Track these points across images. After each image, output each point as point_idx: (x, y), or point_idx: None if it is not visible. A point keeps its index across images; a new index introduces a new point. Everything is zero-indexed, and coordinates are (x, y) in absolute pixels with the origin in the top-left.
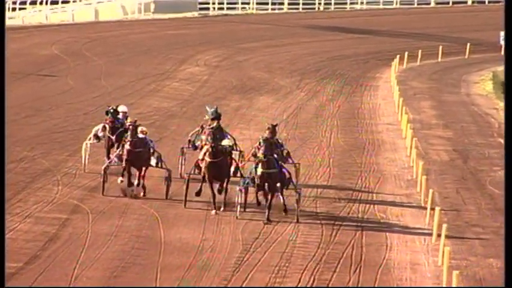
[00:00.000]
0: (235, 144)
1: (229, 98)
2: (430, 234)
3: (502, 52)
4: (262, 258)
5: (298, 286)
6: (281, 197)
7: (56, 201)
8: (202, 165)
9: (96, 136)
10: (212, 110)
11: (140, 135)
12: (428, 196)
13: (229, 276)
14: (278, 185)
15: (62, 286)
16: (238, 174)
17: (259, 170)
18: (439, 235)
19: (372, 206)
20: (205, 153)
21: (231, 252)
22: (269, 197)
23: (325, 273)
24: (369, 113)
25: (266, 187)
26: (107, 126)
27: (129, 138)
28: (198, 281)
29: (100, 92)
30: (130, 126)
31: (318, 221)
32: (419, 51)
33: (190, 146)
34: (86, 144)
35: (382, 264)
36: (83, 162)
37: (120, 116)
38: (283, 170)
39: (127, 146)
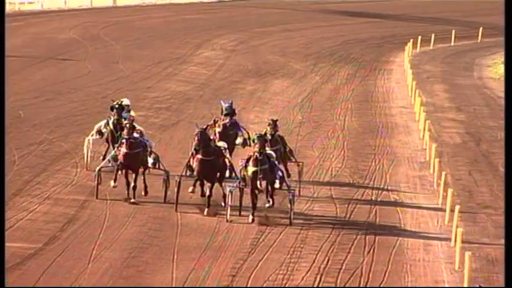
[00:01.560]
0: (249, 138)
1: (245, 81)
2: (443, 216)
3: None
4: (278, 239)
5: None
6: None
7: (75, 183)
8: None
9: (99, 132)
10: (226, 105)
11: (135, 135)
12: (441, 178)
13: (245, 257)
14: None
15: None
16: (233, 175)
17: (250, 169)
18: (451, 217)
19: (385, 187)
20: (197, 152)
21: (246, 234)
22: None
23: (339, 254)
24: (382, 96)
25: (259, 184)
26: (110, 121)
27: (125, 137)
28: (214, 262)
29: (118, 75)
30: (127, 125)
31: (332, 203)
32: (433, 35)
33: None
34: (88, 140)
35: (396, 245)
36: (85, 159)
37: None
38: (278, 170)
39: (123, 149)
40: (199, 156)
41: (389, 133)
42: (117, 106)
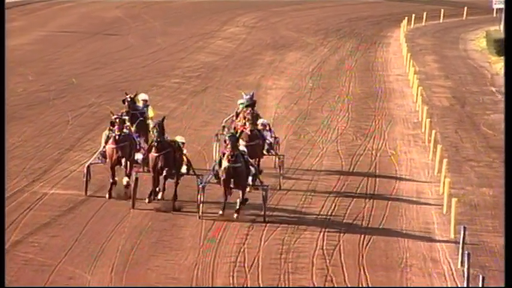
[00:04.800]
0: (270, 129)
1: (264, 53)
2: (433, 168)
3: (494, 14)
4: (293, 187)
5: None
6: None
7: None
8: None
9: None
10: (247, 96)
11: (125, 131)
12: (431, 136)
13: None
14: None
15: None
16: (191, 172)
17: (225, 164)
18: (440, 168)
19: (384, 144)
20: (150, 147)
21: (265, 179)
22: (231, 192)
23: (344, 201)
24: (381, 66)
25: (232, 183)
26: (124, 114)
27: (116, 133)
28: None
29: (155, 48)
30: (117, 120)
31: (339, 157)
32: (424, 13)
33: (223, 132)
34: (105, 134)
35: (392, 193)
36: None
37: (141, 104)
38: (250, 166)
39: (110, 145)
40: (153, 152)
41: (387, 97)
42: (129, 99)
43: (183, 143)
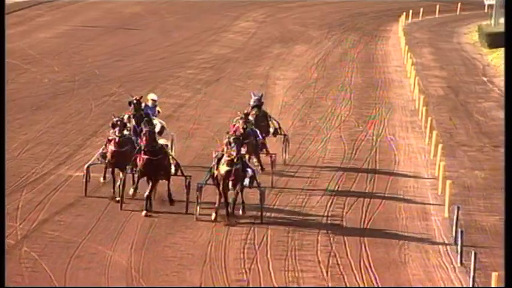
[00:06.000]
0: (280, 128)
1: (273, 46)
2: (429, 152)
3: (486, 10)
4: (299, 170)
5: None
6: (240, 194)
7: None
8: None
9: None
10: (256, 97)
11: (125, 133)
12: (427, 122)
13: (270, 184)
14: (246, 181)
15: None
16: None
17: (223, 168)
18: (436, 152)
19: (383, 130)
20: (143, 151)
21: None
22: (232, 194)
23: (347, 183)
24: (381, 58)
25: (230, 185)
26: (131, 117)
27: (116, 135)
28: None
29: (172, 41)
30: (118, 123)
31: (342, 143)
32: (421, 9)
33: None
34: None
35: (391, 175)
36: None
37: (150, 103)
38: (248, 168)
39: (111, 146)
40: (145, 155)
41: (387, 87)
42: (135, 101)
43: (166, 145)
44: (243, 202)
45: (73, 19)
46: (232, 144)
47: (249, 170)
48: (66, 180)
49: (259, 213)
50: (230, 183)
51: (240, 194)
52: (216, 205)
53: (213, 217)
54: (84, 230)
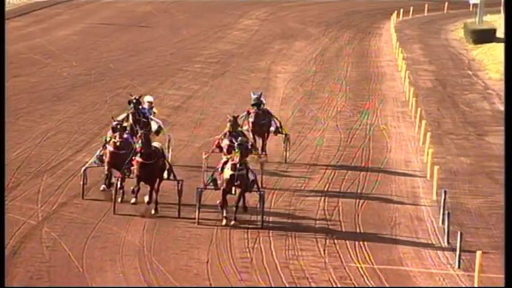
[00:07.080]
0: (281, 127)
1: (274, 42)
2: (418, 140)
3: (471, 8)
4: (298, 157)
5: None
6: (243, 200)
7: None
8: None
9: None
10: (255, 96)
11: (125, 136)
12: (417, 112)
13: (274, 171)
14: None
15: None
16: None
17: (228, 172)
18: (424, 140)
19: (376, 119)
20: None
21: (273, 152)
22: (236, 197)
23: (343, 168)
24: (375, 53)
25: (234, 190)
26: (130, 116)
27: (117, 139)
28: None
29: (181, 38)
30: (118, 126)
31: (338, 131)
32: (411, 8)
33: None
34: (104, 138)
35: (384, 161)
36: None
37: (146, 106)
38: (250, 173)
39: (110, 147)
40: (139, 159)
41: (379, 80)
42: (134, 101)
43: (161, 148)
44: (244, 207)
45: (90, 17)
46: (237, 150)
47: (250, 175)
48: (83, 166)
49: (259, 216)
50: (234, 187)
51: (242, 198)
52: (224, 213)
53: (224, 222)
54: (100, 212)
